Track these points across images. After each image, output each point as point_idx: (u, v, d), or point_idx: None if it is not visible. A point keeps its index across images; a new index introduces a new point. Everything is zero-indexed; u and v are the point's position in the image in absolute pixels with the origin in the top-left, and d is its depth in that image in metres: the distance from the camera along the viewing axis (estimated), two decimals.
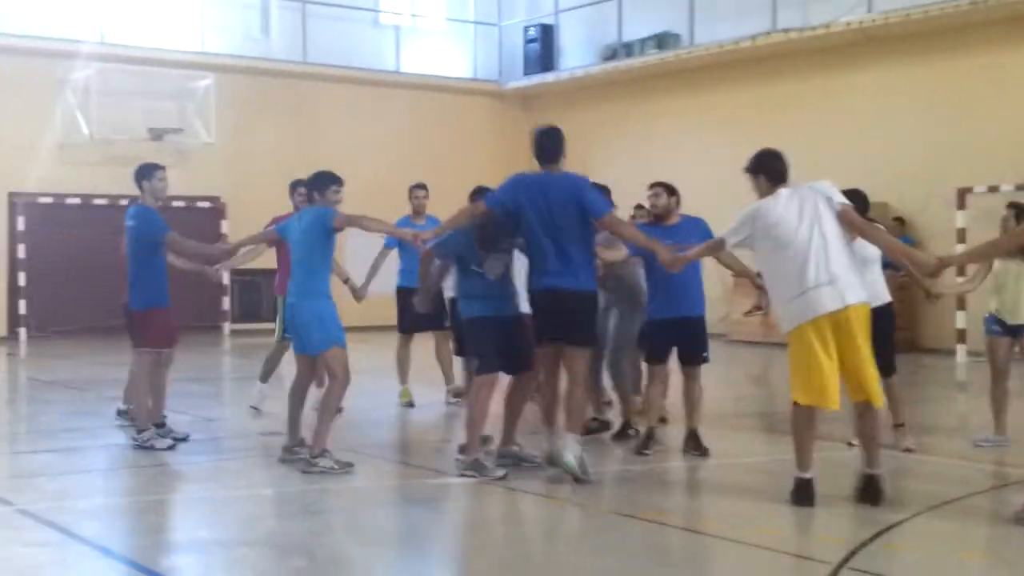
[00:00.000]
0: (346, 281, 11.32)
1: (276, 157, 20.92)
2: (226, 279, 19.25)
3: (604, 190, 9.41)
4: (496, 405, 8.70)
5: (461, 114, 25.08)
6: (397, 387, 12.21)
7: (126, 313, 10.09)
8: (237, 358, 19.18)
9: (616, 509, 7.70)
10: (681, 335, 9.29)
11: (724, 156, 20.99)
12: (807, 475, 7.43)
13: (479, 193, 9.03)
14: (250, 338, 20.43)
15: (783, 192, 7.45)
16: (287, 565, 6.38)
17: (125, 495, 8.29)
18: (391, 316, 12.26)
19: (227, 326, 22.15)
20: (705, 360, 9.47)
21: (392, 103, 24.08)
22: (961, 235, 16.90)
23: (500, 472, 8.35)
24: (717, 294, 16.98)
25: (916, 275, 8.66)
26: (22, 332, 20.50)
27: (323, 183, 8.80)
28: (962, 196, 17.19)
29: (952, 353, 17.18)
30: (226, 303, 22.08)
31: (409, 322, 12.11)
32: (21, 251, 20.59)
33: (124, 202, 13.49)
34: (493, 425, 8.91)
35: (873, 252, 8.57)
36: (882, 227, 8.34)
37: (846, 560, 6.23)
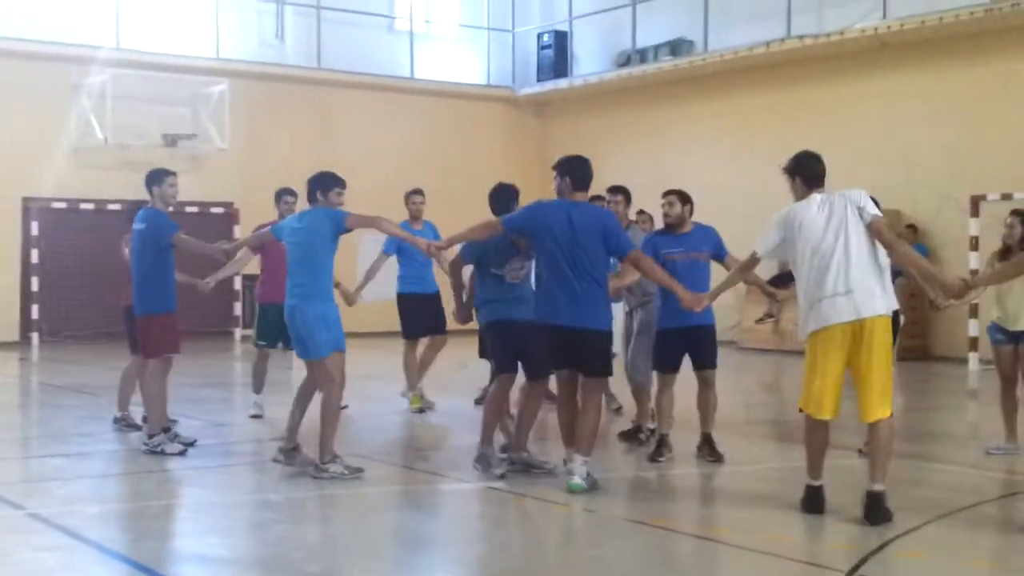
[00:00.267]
0: (337, 285, 11.28)
1: (290, 163, 20.88)
2: (238, 283, 19.24)
3: (599, 200, 9.48)
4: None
5: (475, 120, 25.09)
6: (407, 392, 12.23)
7: (128, 316, 10.14)
8: (248, 363, 19.07)
9: (627, 516, 7.71)
10: (690, 344, 9.29)
11: (737, 163, 21.17)
12: (817, 483, 7.41)
13: (502, 195, 9.02)
14: None
15: (817, 197, 7.35)
16: (298, 572, 6.39)
17: (135, 500, 8.29)
18: (385, 322, 12.31)
19: (238, 331, 22.14)
20: (715, 366, 9.45)
21: (406, 109, 24.10)
22: (974, 242, 16.84)
23: (500, 470, 8.53)
24: (728, 302, 16.96)
25: (927, 288, 8.68)
26: (34, 337, 20.52)
27: (326, 184, 8.73)
28: (975, 203, 17.12)
29: (964, 361, 17.11)
30: (237, 308, 22.09)
31: (412, 328, 12.16)
32: (34, 256, 20.61)
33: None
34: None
35: (886, 260, 8.54)
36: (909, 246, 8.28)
37: (856, 568, 6.23)
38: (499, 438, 9.12)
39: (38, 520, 7.35)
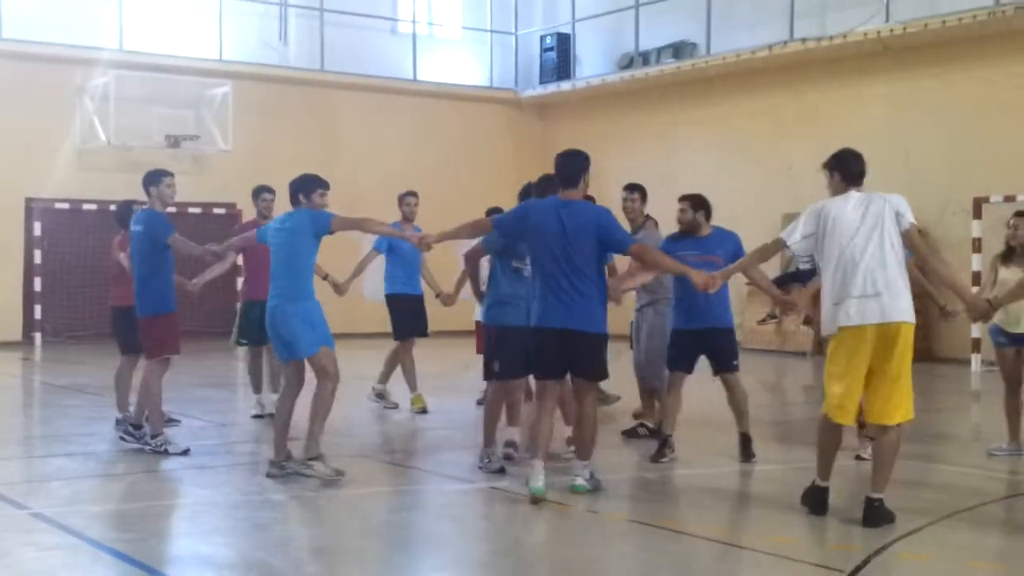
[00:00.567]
0: (325, 277, 11.27)
1: (293, 165, 20.60)
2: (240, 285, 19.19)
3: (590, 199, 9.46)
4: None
5: (477, 123, 25.09)
6: (408, 393, 12.25)
7: (116, 317, 10.21)
8: None
9: (630, 517, 7.72)
10: (707, 346, 9.27)
11: (740, 165, 21.18)
12: (823, 483, 7.40)
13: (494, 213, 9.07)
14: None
15: (854, 195, 7.29)
16: (302, 572, 6.39)
17: (138, 499, 8.29)
18: (379, 323, 12.35)
19: None
20: (735, 368, 9.46)
21: (409, 112, 24.11)
22: (977, 244, 16.85)
23: (497, 466, 8.70)
24: (731, 303, 16.93)
25: (936, 295, 8.75)
26: (37, 337, 20.56)
27: (309, 186, 8.67)
28: (978, 205, 17.14)
29: (967, 363, 17.12)
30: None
31: (405, 328, 12.20)
32: (37, 256, 20.63)
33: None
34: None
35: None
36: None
37: (859, 568, 6.23)
38: (502, 437, 9.16)
39: (41, 520, 7.36)
